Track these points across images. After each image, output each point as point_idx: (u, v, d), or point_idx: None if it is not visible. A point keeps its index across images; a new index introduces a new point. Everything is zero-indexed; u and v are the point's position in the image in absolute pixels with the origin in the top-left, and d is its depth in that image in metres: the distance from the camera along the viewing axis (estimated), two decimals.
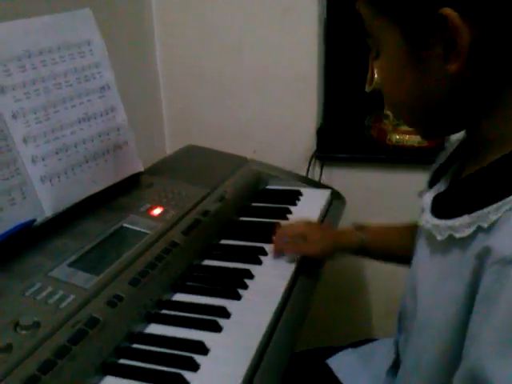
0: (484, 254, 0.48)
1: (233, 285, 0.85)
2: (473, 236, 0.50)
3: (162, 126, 1.62)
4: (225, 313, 0.78)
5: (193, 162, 1.32)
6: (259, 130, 1.52)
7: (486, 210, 0.49)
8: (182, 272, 0.88)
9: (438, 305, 0.55)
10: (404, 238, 0.86)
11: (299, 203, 1.18)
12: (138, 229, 0.94)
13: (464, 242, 0.52)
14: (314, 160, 1.48)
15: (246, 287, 0.85)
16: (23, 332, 0.64)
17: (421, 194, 0.67)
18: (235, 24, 1.44)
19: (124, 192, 1.06)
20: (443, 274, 0.55)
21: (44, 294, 0.72)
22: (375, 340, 0.91)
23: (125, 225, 0.94)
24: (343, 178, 1.47)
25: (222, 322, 0.76)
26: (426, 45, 0.51)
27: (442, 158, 0.69)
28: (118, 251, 0.86)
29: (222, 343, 0.72)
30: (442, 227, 0.54)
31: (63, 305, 0.71)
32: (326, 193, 1.23)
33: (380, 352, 0.85)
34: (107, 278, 0.78)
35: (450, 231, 0.53)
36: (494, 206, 0.48)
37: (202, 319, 0.77)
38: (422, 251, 0.61)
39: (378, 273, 1.55)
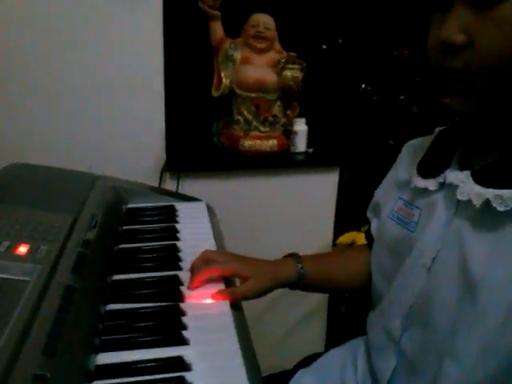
0: None
1: (170, 328, 0.67)
2: None
3: None
4: (182, 365, 0.60)
5: (30, 183, 1.03)
6: (94, 143, 1.29)
7: None
8: (92, 325, 0.66)
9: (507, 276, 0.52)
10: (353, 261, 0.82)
11: (180, 220, 1.02)
12: (9, 276, 0.67)
13: None
14: (164, 172, 1.33)
15: (185, 327, 0.68)
16: None
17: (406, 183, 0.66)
18: (69, 18, 1.19)
19: None
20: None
21: None
22: (318, 353, 0.84)
23: None
24: (197, 188, 1.35)
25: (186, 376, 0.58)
26: None
27: (418, 150, 0.68)
28: (1, 311, 0.59)
29: None
30: (506, 197, 0.52)
31: None
32: (202, 206, 1.11)
33: (336, 363, 0.78)
34: (10, 352, 0.52)
35: None
36: None
37: (160, 380, 0.57)
38: (464, 231, 0.58)
39: None
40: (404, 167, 0.74)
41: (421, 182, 0.66)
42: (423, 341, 0.63)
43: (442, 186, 0.64)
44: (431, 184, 0.64)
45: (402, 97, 1.73)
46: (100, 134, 1.29)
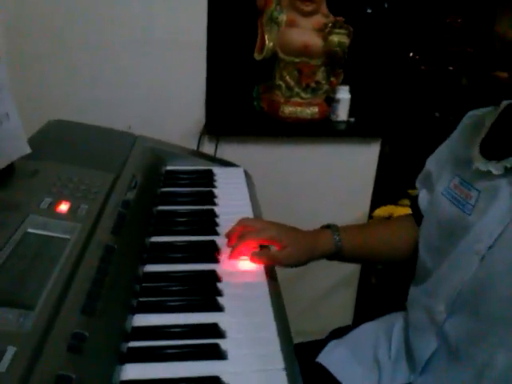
0: None
1: (205, 293, 0.67)
2: None
3: None
4: (217, 332, 0.60)
5: (70, 141, 1.04)
6: (134, 103, 1.29)
7: None
8: (130, 286, 0.67)
9: None
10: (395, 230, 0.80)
11: (218, 185, 1.02)
12: (50, 234, 0.68)
13: None
14: (203, 135, 1.31)
15: (220, 294, 0.68)
16: None
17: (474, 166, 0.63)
18: None
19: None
20: None
21: None
22: (350, 326, 0.83)
23: (30, 230, 0.67)
24: (235, 152, 1.34)
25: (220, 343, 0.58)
26: None
27: (481, 125, 0.65)
28: (42, 268, 0.60)
29: (235, 374, 0.55)
30: None
31: (4, 365, 0.45)
32: (239, 172, 1.10)
33: (369, 337, 0.77)
34: (49, 310, 0.53)
35: None
36: None
37: (195, 345, 0.58)
38: None
39: None
40: (463, 142, 0.70)
41: (483, 165, 0.62)
42: (472, 329, 0.61)
43: (508, 170, 0.60)
44: (495, 168, 0.61)
45: (451, 68, 1.65)
46: (140, 95, 1.28)
